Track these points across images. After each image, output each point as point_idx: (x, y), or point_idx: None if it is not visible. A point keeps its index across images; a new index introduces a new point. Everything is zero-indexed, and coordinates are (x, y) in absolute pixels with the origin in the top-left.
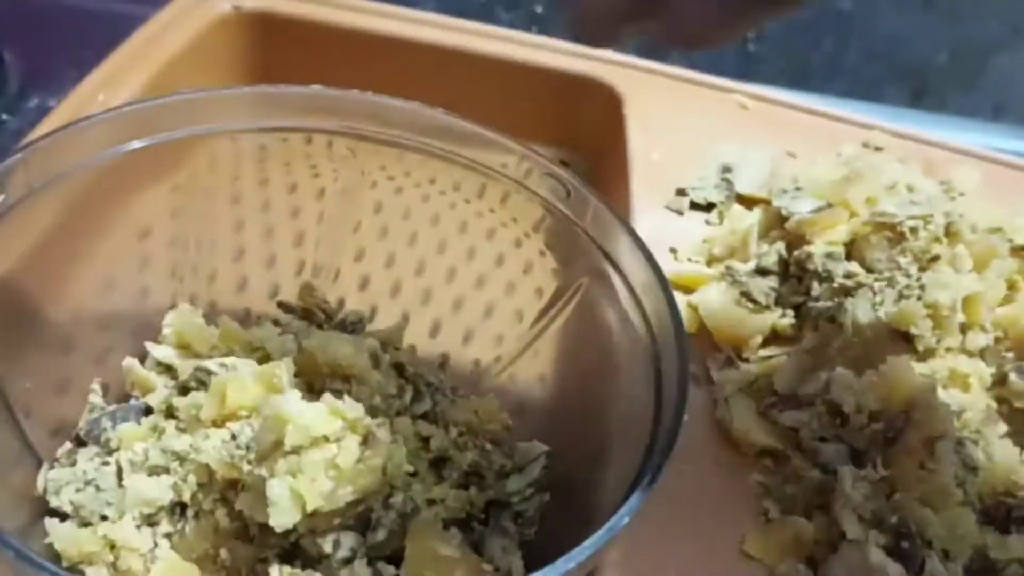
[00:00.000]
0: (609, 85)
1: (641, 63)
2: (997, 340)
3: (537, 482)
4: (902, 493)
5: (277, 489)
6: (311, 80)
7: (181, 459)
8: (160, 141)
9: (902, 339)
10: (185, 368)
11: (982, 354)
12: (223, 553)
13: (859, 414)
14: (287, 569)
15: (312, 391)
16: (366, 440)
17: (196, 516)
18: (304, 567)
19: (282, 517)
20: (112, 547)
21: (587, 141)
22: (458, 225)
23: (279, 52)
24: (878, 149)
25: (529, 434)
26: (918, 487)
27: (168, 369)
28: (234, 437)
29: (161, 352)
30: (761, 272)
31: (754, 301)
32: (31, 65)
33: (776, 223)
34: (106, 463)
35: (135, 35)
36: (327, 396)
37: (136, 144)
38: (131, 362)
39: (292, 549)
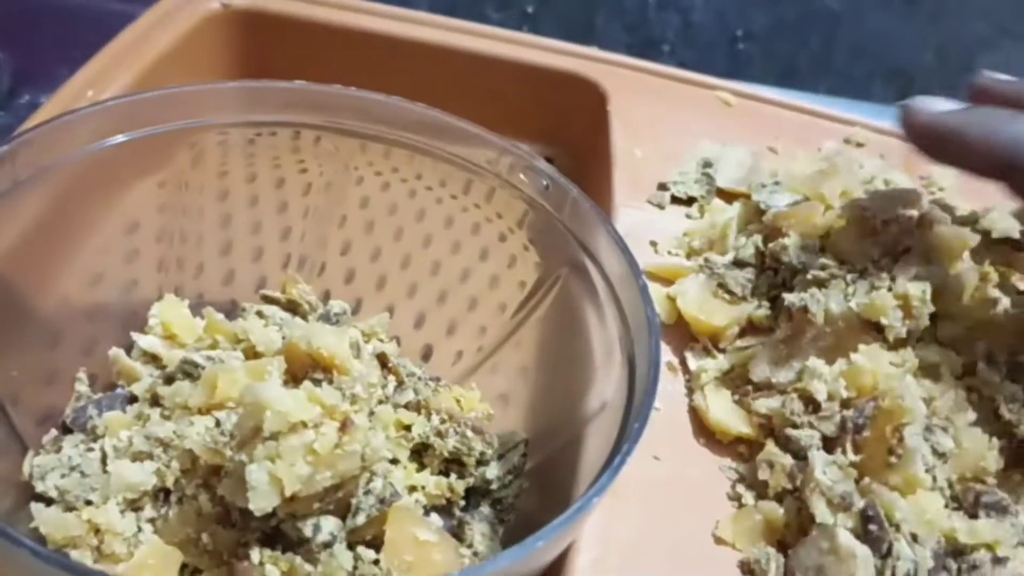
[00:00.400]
0: (594, 82)
1: (626, 60)
2: (967, 330)
3: (516, 469)
4: (871, 478)
5: (256, 474)
6: (300, 78)
7: (165, 445)
8: (146, 135)
9: (873, 329)
10: (171, 357)
11: (952, 343)
12: (205, 537)
13: (830, 402)
14: (268, 553)
15: (296, 381)
16: (344, 426)
17: (179, 501)
18: (284, 551)
19: (261, 501)
20: (96, 531)
21: (572, 137)
22: (444, 220)
23: (268, 50)
24: (859, 145)
25: (511, 423)
26: (886, 473)
27: (154, 358)
28: (218, 424)
29: (147, 342)
30: (738, 264)
31: (731, 292)
32: (22, 62)
33: (754, 217)
34: (91, 449)
35: (124, 32)
36: (306, 383)
37: (122, 138)
38: (117, 352)
39: (273, 533)
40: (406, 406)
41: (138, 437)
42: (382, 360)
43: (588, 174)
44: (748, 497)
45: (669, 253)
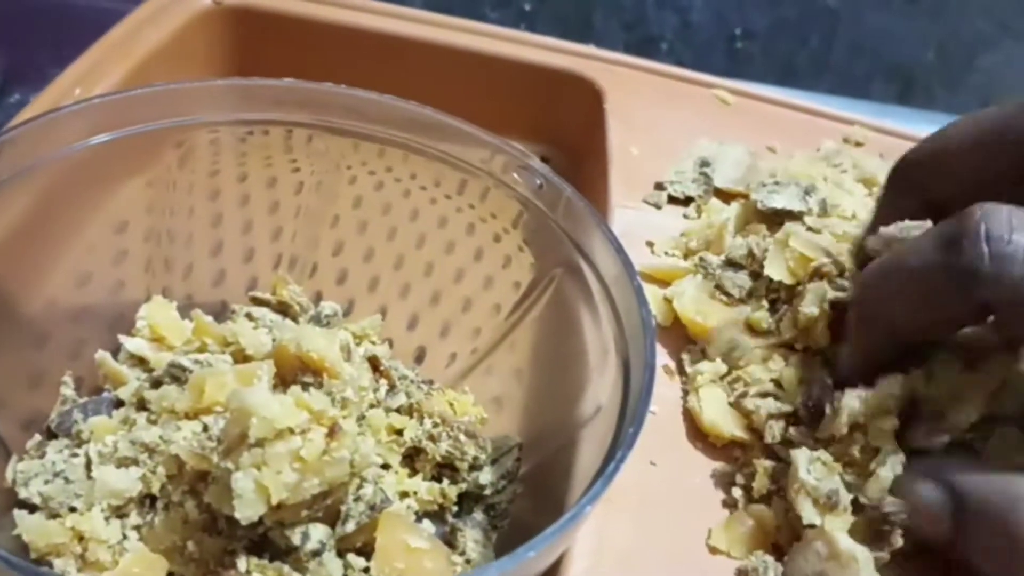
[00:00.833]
0: (590, 80)
1: (622, 58)
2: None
3: (510, 474)
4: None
5: (242, 482)
6: (293, 76)
7: (151, 451)
8: (134, 133)
9: None
10: (158, 360)
11: None
12: (191, 545)
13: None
14: (255, 561)
15: (286, 385)
16: (332, 432)
17: (165, 508)
18: (272, 559)
19: (247, 510)
20: (80, 538)
21: (568, 136)
22: (438, 220)
23: (259, 48)
24: (859, 144)
25: (505, 427)
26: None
27: (141, 361)
28: (206, 429)
29: (134, 344)
30: (732, 265)
31: (728, 294)
32: (13, 60)
33: (753, 217)
34: (75, 455)
35: (114, 29)
36: (294, 388)
37: (110, 136)
38: (103, 355)
39: (261, 541)
40: (398, 410)
41: (123, 442)
42: (373, 363)
43: (584, 173)
44: (741, 501)
45: (666, 254)
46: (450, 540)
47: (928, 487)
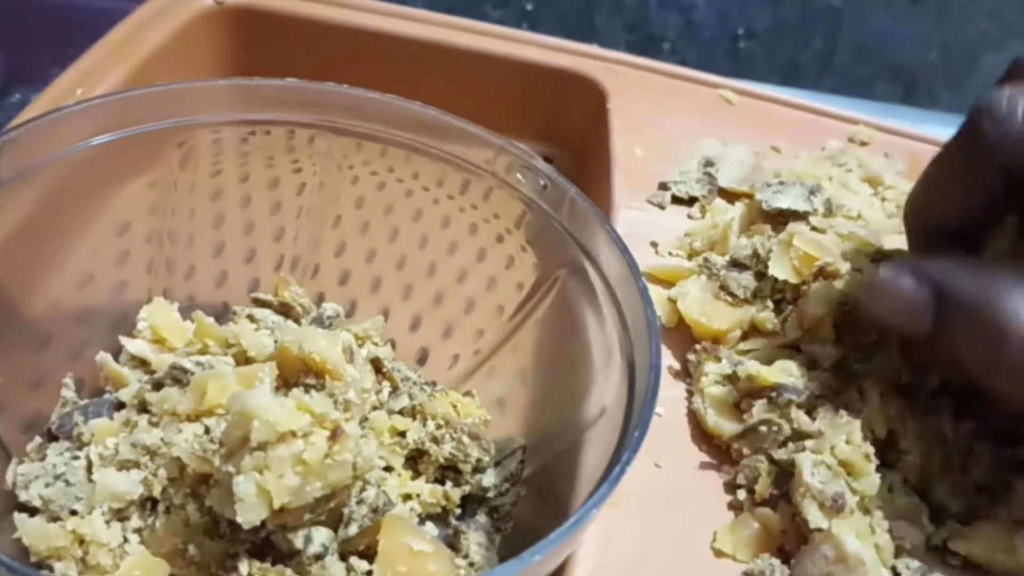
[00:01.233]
0: (593, 80)
1: (626, 58)
2: None
3: (513, 476)
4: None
5: (244, 486)
6: (295, 76)
7: (152, 453)
8: (135, 133)
9: None
10: (160, 362)
11: None
12: (192, 548)
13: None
14: (256, 564)
15: (288, 387)
16: (335, 435)
17: (166, 511)
18: (275, 563)
19: (249, 514)
20: (81, 542)
21: (572, 136)
22: (440, 220)
23: (261, 48)
24: (863, 144)
25: (508, 428)
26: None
27: (142, 363)
28: (207, 431)
29: (135, 346)
30: (737, 265)
31: (732, 295)
32: (14, 60)
33: (757, 217)
34: (76, 457)
35: (115, 29)
36: (295, 391)
37: (111, 137)
38: (104, 356)
39: (263, 544)
40: (401, 412)
41: (124, 445)
42: (376, 364)
43: (588, 173)
44: (747, 504)
45: (670, 254)
46: (453, 543)
47: (911, 281)
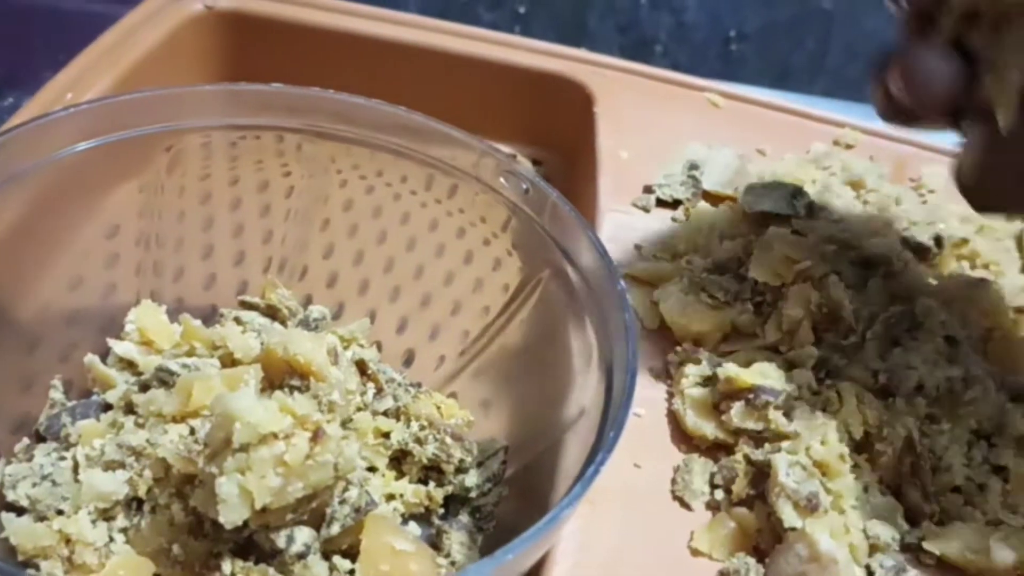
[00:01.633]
0: (581, 83)
1: (613, 61)
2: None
3: (495, 477)
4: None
5: (226, 487)
6: (285, 81)
7: (137, 454)
8: (125, 138)
9: None
10: (147, 364)
11: None
12: (176, 548)
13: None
14: (240, 563)
15: (274, 388)
16: (316, 437)
17: (152, 511)
18: (258, 562)
19: (231, 514)
20: (67, 541)
21: (559, 139)
22: (428, 223)
23: (252, 52)
24: (849, 147)
25: (492, 429)
26: None
27: (130, 365)
28: (193, 432)
29: (122, 348)
30: (718, 268)
31: (713, 297)
32: (8, 63)
33: (740, 220)
34: (63, 458)
35: (105, 34)
36: (279, 393)
37: (100, 141)
38: (92, 358)
39: (246, 544)
40: (385, 413)
41: (111, 445)
42: (361, 366)
43: (575, 176)
44: (725, 504)
45: (654, 257)
46: (436, 542)
47: (939, 56)
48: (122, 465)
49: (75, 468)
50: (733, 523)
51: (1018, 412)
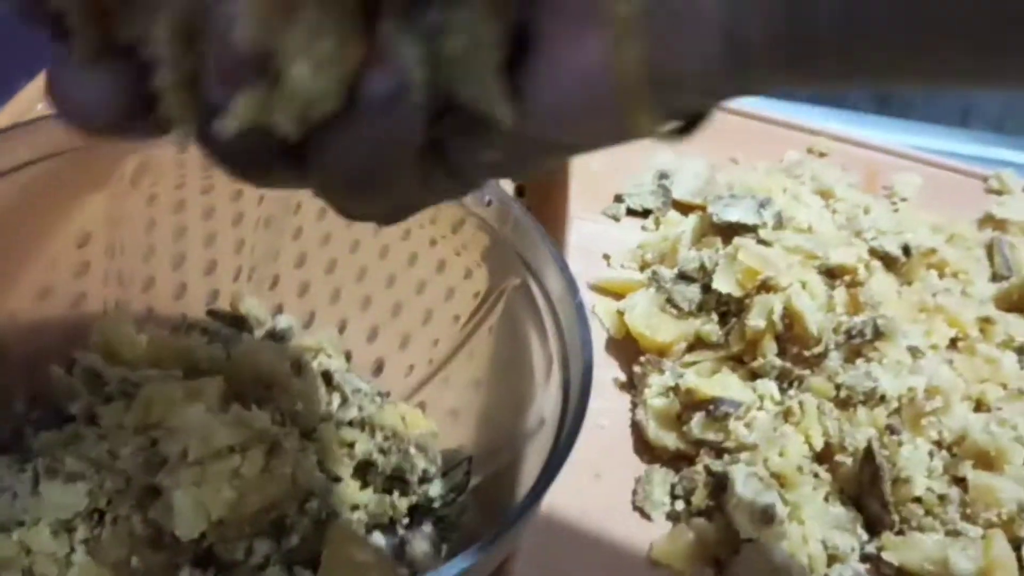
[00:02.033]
0: None
1: None
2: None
3: (459, 487)
4: None
5: (181, 500)
6: None
7: (98, 466)
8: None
9: None
10: (112, 375)
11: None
12: (135, 560)
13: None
14: (199, 575)
15: (239, 399)
16: (272, 450)
17: (113, 522)
18: (217, 573)
19: (186, 528)
20: (28, 552)
21: None
22: (401, 233)
23: None
24: (822, 155)
25: (460, 438)
26: None
27: (96, 377)
28: (154, 444)
29: (88, 360)
30: (684, 278)
31: (678, 307)
32: None
33: (709, 230)
34: (23, 470)
35: None
36: (235, 407)
37: (70, 150)
38: (56, 370)
39: (206, 555)
40: (350, 423)
41: (71, 457)
42: (326, 377)
43: (547, 185)
44: (684, 515)
45: (622, 266)
46: (400, 552)
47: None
48: (83, 477)
49: (35, 479)
50: (692, 534)
51: (979, 423)
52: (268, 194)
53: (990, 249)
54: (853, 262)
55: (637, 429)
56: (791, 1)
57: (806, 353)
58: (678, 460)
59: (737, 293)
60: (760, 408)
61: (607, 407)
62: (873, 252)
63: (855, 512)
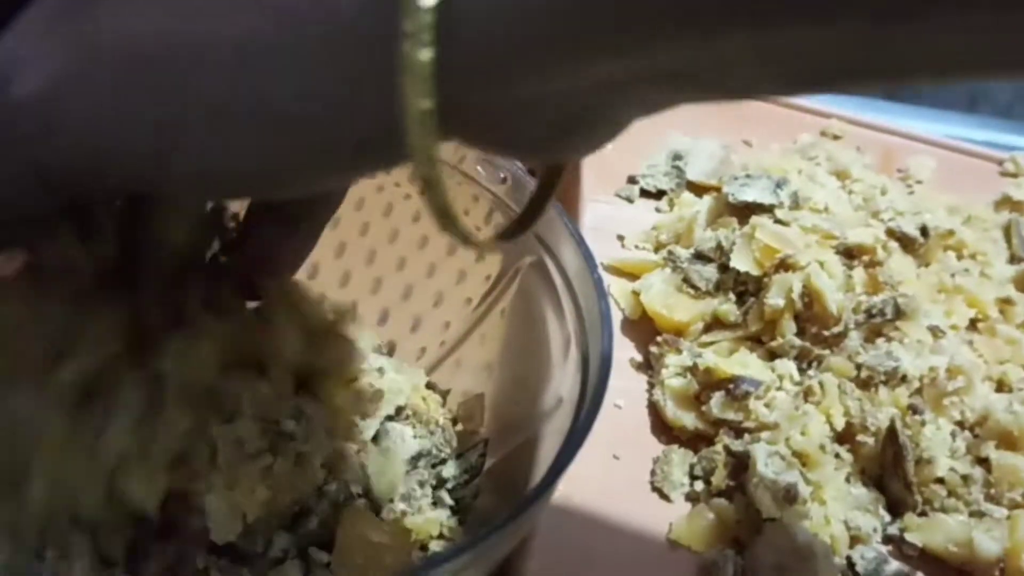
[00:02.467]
0: None
1: None
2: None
3: (473, 469)
4: None
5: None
6: None
7: None
8: None
9: None
10: None
11: None
12: None
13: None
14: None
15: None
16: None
17: None
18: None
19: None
20: None
21: None
22: (411, 215)
23: None
24: (836, 138)
25: (475, 420)
26: None
27: None
28: None
29: None
30: (700, 258)
31: (695, 287)
32: None
33: (724, 210)
34: None
35: None
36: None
37: None
38: None
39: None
40: None
41: None
42: None
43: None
44: (704, 495)
45: (636, 247)
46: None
47: None
48: None
49: None
50: (712, 514)
51: (1001, 403)
52: None
53: (1007, 231)
54: (871, 242)
55: (655, 409)
56: None
57: (825, 333)
58: (697, 440)
59: (755, 272)
60: (779, 388)
61: (624, 387)
62: (891, 233)
63: (877, 493)
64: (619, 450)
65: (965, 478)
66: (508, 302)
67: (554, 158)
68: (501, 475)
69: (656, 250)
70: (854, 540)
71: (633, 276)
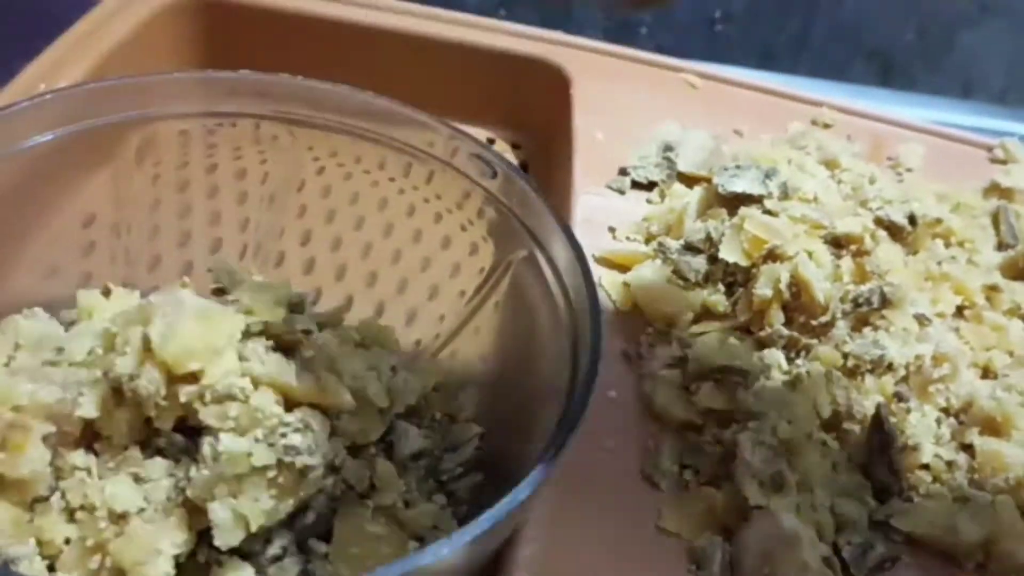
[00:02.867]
0: (557, 66)
1: (591, 44)
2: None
3: (468, 462)
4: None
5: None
6: (263, 68)
7: None
8: (96, 125)
9: None
10: None
11: None
12: None
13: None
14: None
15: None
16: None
17: None
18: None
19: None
20: None
21: (537, 122)
22: (406, 209)
23: (228, 40)
24: (827, 126)
25: (468, 413)
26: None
27: None
28: None
29: None
30: (690, 249)
31: (685, 278)
32: None
33: (714, 201)
34: None
35: (80, 22)
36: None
37: (72, 129)
38: None
39: None
40: None
41: None
42: None
43: (551, 159)
44: (693, 484)
45: (628, 239)
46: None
47: None
48: None
49: None
50: (701, 502)
51: (985, 389)
52: (272, 172)
53: (995, 218)
54: (859, 231)
55: (645, 399)
56: None
57: (813, 322)
58: (686, 429)
59: (744, 262)
60: (768, 378)
61: (614, 378)
62: (879, 221)
63: (863, 479)
64: (610, 439)
65: (950, 464)
66: (501, 295)
67: None
68: (496, 467)
69: (647, 242)
70: (840, 526)
71: (624, 268)
